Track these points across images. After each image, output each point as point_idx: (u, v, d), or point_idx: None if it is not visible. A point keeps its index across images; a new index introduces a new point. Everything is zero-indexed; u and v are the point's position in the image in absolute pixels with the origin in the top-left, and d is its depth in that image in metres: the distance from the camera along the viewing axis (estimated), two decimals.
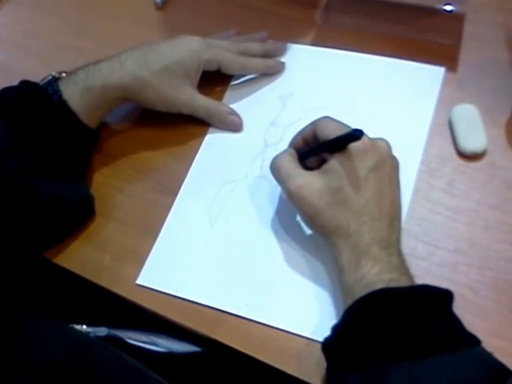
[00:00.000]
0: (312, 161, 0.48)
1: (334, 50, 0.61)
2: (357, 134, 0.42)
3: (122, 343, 0.51)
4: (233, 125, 0.57)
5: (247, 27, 0.65)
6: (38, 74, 0.55)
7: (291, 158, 0.47)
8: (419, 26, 0.61)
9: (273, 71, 0.60)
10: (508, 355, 0.38)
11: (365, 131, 0.44)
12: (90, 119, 0.54)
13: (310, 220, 0.46)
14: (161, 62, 0.54)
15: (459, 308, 0.40)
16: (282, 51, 0.61)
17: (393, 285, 0.40)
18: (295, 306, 0.47)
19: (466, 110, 0.53)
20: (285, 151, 0.49)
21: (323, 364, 0.42)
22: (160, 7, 0.69)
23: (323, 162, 0.47)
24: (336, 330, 0.41)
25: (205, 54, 0.56)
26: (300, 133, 0.50)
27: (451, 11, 0.61)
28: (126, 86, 0.53)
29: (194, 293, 0.49)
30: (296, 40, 0.63)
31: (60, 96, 0.52)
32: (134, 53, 0.54)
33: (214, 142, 0.57)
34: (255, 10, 0.66)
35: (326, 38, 0.62)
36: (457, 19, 0.61)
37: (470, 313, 0.42)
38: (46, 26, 0.72)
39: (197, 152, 0.57)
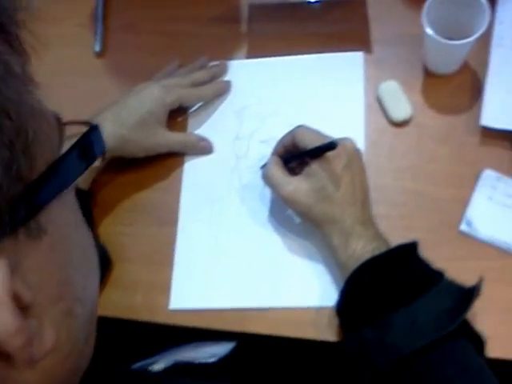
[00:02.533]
0: (294, 164, 0.62)
1: (267, 58, 0.73)
2: (333, 145, 0.56)
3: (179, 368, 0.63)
4: (204, 149, 0.69)
5: (185, 54, 0.75)
6: None
7: (278, 166, 0.60)
8: (330, 19, 0.74)
9: (223, 92, 0.71)
10: None
11: (311, 124, 0.60)
12: (84, 183, 0.64)
13: (303, 215, 0.60)
14: (134, 116, 0.65)
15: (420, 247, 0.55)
16: (224, 71, 0.73)
17: (376, 252, 0.54)
18: (299, 286, 0.62)
19: (389, 86, 0.68)
20: (271, 161, 0.61)
21: (333, 323, 0.58)
22: (99, 54, 0.78)
23: (303, 163, 0.60)
24: (342, 296, 0.56)
25: (167, 98, 0.67)
26: (280, 141, 0.63)
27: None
28: (110, 147, 0.64)
29: (219, 301, 0.62)
30: (232, 56, 0.74)
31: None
32: (108, 115, 0.65)
33: (192, 168, 0.69)
34: (187, 36, 0.77)
35: (257, 49, 0.74)
36: (359, 5, 0.73)
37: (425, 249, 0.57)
38: None
39: (181, 180, 0.69)
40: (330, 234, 0.58)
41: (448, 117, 0.66)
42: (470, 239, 0.61)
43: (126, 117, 0.65)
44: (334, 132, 0.63)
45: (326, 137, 0.60)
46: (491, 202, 0.61)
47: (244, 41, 0.75)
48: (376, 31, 0.72)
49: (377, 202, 0.62)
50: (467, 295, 0.52)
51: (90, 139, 0.35)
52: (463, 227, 0.61)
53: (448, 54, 0.64)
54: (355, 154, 0.60)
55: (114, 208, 0.69)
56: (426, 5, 0.61)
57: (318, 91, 0.70)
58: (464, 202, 0.62)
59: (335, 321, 0.58)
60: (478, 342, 0.53)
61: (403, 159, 0.66)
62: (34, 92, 0.31)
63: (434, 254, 0.56)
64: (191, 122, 0.71)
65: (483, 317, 0.54)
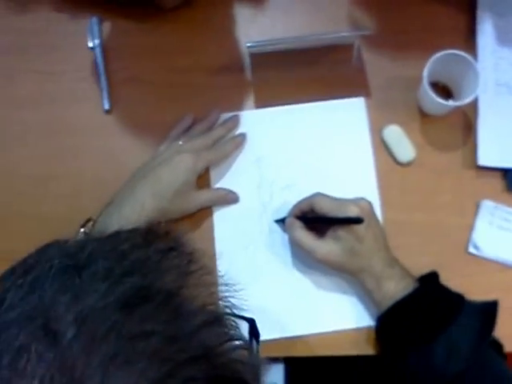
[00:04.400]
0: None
1: (275, 108, 0.80)
2: (360, 220, 0.66)
3: None
4: (232, 201, 0.76)
5: (192, 106, 0.81)
6: None
7: (303, 230, 0.69)
8: (327, 64, 0.82)
9: (241, 145, 0.78)
10: None
11: (325, 170, 0.75)
12: None
13: (338, 270, 0.70)
14: (171, 189, 0.70)
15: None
16: (238, 123, 0.79)
17: (407, 290, 0.65)
18: (333, 313, 0.72)
19: (392, 131, 0.78)
20: (294, 225, 0.70)
21: (367, 341, 0.70)
22: (109, 111, 0.81)
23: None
24: (381, 329, 0.66)
25: (198, 165, 0.73)
26: (297, 206, 0.72)
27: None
28: (152, 219, 0.69)
29: (265, 333, 0.69)
30: (241, 106, 0.81)
31: None
32: (146, 190, 0.70)
33: (221, 218, 0.76)
34: (193, 87, 0.82)
35: (263, 97, 0.81)
36: (351, 48, 0.82)
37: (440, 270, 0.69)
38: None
39: (212, 230, 0.75)
40: (363, 280, 0.68)
41: (446, 154, 0.78)
42: (478, 259, 0.73)
43: (164, 191, 0.70)
44: (346, 175, 0.77)
45: (341, 202, 0.69)
46: (491, 227, 0.74)
47: (250, 90, 0.82)
48: (370, 74, 0.82)
49: (395, 235, 0.73)
50: (489, 312, 0.64)
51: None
52: (471, 250, 0.73)
53: (440, 105, 0.75)
54: (371, 211, 0.70)
55: None
56: (430, 62, 0.72)
57: (326, 138, 0.79)
58: (468, 228, 0.74)
59: (371, 338, 0.70)
60: (497, 346, 0.65)
61: (412, 195, 0.76)
62: None
63: (449, 274, 0.69)
64: (213, 175, 0.78)
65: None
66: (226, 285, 0.39)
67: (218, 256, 0.74)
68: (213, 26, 0.85)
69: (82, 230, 0.69)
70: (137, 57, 0.84)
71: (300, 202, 0.72)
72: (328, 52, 0.82)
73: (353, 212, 0.67)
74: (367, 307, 0.72)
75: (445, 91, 0.78)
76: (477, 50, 0.78)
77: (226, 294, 0.38)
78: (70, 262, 0.35)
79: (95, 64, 0.83)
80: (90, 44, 0.83)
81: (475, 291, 0.68)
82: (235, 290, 0.39)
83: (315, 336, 0.72)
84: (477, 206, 0.75)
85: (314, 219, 0.71)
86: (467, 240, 0.74)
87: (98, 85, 0.82)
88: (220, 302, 0.38)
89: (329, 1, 0.84)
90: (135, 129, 0.81)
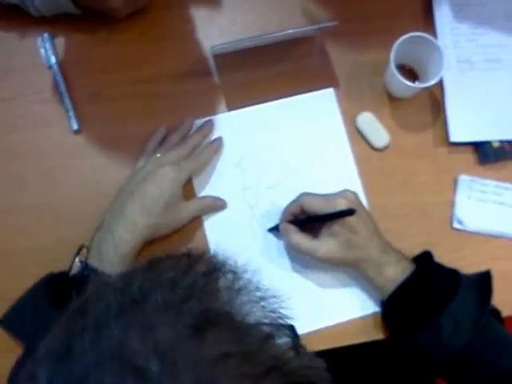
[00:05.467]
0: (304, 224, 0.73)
1: (247, 108, 0.81)
2: (352, 211, 0.68)
3: None
4: (220, 207, 0.77)
5: (163, 116, 0.80)
6: None
7: (298, 234, 0.71)
8: (292, 57, 0.83)
9: (219, 149, 0.78)
10: None
11: (305, 164, 0.77)
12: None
13: (339, 264, 0.73)
14: (160, 203, 0.71)
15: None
16: (212, 128, 0.80)
17: (405, 273, 0.69)
18: (337, 306, 0.75)
19: (365, 118, 0.80)
20: (288, 230, 0.72)
21: (374, 327, 0.73)
22: (78, 131, 0.79)
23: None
24: (387, 310, 0.69)
25: (181, 176, 0.73)
26: (287, 209, 0.74)
27: None
28: (146, 236, 0.70)
29: None
30: (213, 110, 0.81)
31: (102, 274, 0.66)
32: (135, 207, 0.70)
33: (212, 225, 0.77)
34: (161, 96, 0.81)
35: (233, 98, 0.81)
36: (313, 41, 0.84)
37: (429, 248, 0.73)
38: None
39: (206, 238, 0.76)
40: (364, 269, 0.71)
41: (419, 134, 0.81)
42: (463, 233, 0.78)
43: (153, 206, 0.70)
44: (326, 167, 0.79)
45: (329, 198, 0.71)
46: (471, 200, 0.78)
47: (219, 92, 0.82)
48: (336, 65, 0.83)
49: (381, 220, 0.76)
50: (484, 282, 0.68)
51: None
52: (455, 225, 0.77)
53: (408, 88, 0.78)
54: (357, 200, 0.72)
55: None
56: (395, 45, 0.74)
57: (302, 132, 0.80)
58: (450, 204, 0.78)
59: (378, 324, 0.74)
60: (495, 313, 0.70)
61: (392, 179, 0.80)
62: None
63: (438, 251, 0.73)
64: (196, 183, 0.78)
65: None
66: (274, 296, 0.41)
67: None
68: (170, 31, 0.84)
69: (77, 258, 0.68)
70: (97, 71, 0.82)
71: (289, 206, 0.73)
72: (291, 47, 0.83)
73: (342, 205, 0.69)
74: (369, 295, 0.75)
75: (411, 74, 0.80)
76: (435, 30, 0.81)
77: (275, 306, 0.40)
78: (126, 298, 0.36)
79: (55, 83, 0.81)
80: (46, 62, 0.81)
81: (465, 265, 0.73)
82: (282, 301, 0.41)
83: (322, 330, 0.74)
84: (454, 182, 0.79)
85: (307, 220, 0.72)
86: (450, 216, 0.78)
87: (62, 105, 0.80)
88: (271, 314, 0.40)
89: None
90: (108, 146, 0.80)
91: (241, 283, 0.40)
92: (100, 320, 0.35)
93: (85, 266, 0.67)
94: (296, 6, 0.85)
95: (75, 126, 0.79)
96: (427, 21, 0.83)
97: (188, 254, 0.41)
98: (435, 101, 0.81)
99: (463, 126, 0.78)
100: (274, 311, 0.40)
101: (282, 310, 0.41)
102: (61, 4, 0.77)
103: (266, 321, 0.39)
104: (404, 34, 0.76)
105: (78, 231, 0.73)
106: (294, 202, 0.73)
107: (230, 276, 0.40)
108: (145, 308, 0.35)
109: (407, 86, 0.76)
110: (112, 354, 0.33)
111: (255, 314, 0.39)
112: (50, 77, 0.81)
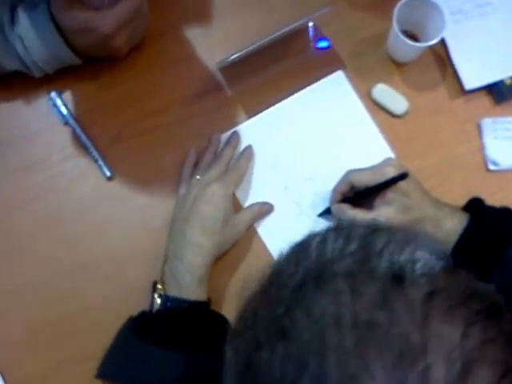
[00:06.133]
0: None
1: (266, 110, 0.83)
2: (405, 175, 0.71)
3: None
4: (268, 211, 0.80)
5: (188, 140, 0.82)
6: None
7: (352, 209, 0.73)
8: (293, 51, 0.85)
9: (252, 157, 0.81)
10: None
11: (335, 147, 0.80)
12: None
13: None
14: (218, 221, 0.73)
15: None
16: (239, 138, 0.82)
17: (463, 222, 0.71)
18: None
19: (380, 89, 0.83)
20: (342, 209, 0.74)
21: None
22: (111, 177, 0.81)
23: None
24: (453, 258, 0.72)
25: (229, 190, 0.76)
26: (335, 190, 0.76)
27: None
28: (214, 255, 0.73)
29: None
30: (234, 121, 0.83)
31: (185, 301, 0.68)
32: (195, 231, 0.72)
33: (266, 230, 0.79)
34: (183, 122, 0.83)
35: (251, 105, 0.84)
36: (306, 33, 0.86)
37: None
38: None
39: (265, 245, 0.79)
40: (423, 228, 0.73)
41: (434, 92, 0.84)
42: (500, 174, 0.81)
43: (212, 225, 0.73)
44: (356, 146, 0.82)
45: (376, 169, 0.73)
46: (498, 140, 0.81)
47: (235, 103, 0.84)
48: (338, 47, 0.86)
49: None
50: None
51: None
52: (491, 167, 0.81)
53: (414, 49, 0.81)
54: (401, 165, 0.74)
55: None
56: (396, 10, 0.77)
57: (324, 119, 0.83)
58: (480, 150, 0.82)
59: None
60: None
61: (418, 141, 0.83)
62: None
63: (481, 196, 0.75)
64: (239, 195, 0.80)
65: None
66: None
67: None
68: (171, 57, 0.86)
69: (156, 295, 0.70)
70: (111, 115, 0.84)
71: (337, 186, 0.75)
72: (291, 42, 0.86)
73: (391, 172, 0.72)
74: None
75: (412, 39, 0.83)
76: None
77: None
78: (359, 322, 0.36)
79: (76, 137, 0.82)
80: (61, 120, 0.82)
81: (509, 202, 0.75)
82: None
83: None
84: (478, 128, 0.82)
85: (358, 195, 0.74)
86: (484, 160, 0.81)
87: (89, 156, 0.81)
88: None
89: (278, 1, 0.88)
90: (144, 183, 0.82)
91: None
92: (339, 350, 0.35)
93: (166, 298, 0.70)
94: (286, 2, 0.87)
95: (108, 173, 0.81)
96: None
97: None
98: (440, 57, 0.85)
99: (473, 72, 0.81)
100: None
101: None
102: (63, 57, 0.79)
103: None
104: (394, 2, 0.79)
105: (140, 269, 0.77)
106: (341, 181, 0.75)
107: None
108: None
109: (413, 46, 0.78)
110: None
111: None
112: (69, 132, 0.83)
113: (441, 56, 0.85)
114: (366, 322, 0.35)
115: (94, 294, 0.78)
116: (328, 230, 0.43)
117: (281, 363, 0.35)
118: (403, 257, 0.39)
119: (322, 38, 0.86)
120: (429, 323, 0.34)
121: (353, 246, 0.39)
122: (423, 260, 0.39)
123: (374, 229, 0.40)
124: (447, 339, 0.34)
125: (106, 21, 0.73)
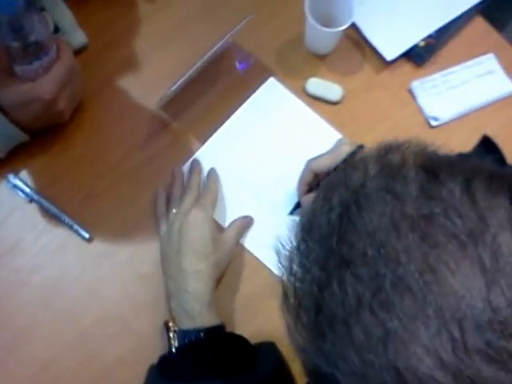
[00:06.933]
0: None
1: (217, 132, 0.88)
2: (361, 147, 0.75)
3: None
4: (250, 223, 0.83)
5: (154, 180, 0.85)
6: None
7: None
8: (223, 70, 0.90)
9: (218, 177, 0.85)
10: None
11: (293, 144, 0.83)
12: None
13: None
14: (207, 242, 0.76)
15: None
16: (200, 164, 0.86)
17: None
18: None
19: (312, 83, 0.89)
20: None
21: None
22: (91, 239, 0.83)
23: None
24: None
25: (208, 212, 0.79)
26: (300, 183, 0.79)
27: None
28: (214, 277, 0.76)
29: None
30: (191, 151, 0.87)
31: (200, 329, 0.71)
32: (189, 258, 0.74)
33: (253, 244, 0.83)
34: (143, 167, 0.86)
35: (200, 131, 0.88)
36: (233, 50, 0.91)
37: None
38: None
39: (256, 258, 0.82)
40: None
41: (361, 72, 0.92)
42: (444, 127, 0.88)
43: (203, 249, 0.75)
44: (309, 140, 0.87)
45: (333, 152, 0.78)
46: (430, 97, 0.89)
47: (185, 134, 0.88)
48: (261, 56, 0.92)
49: None
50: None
51: None
52: (433, 123, 0.88)
53: (331, 36, 0.87)
54: (354, 142, 0.78)
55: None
56: (306, 4, 0.83)
57: (271, 123, 0.89)
58: (418, 111, 0.89)
59: None
60: None
61: (362, 118, 0.89)
62: None
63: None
64: (217, 216, 0.83)
65: None
66: None
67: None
68: (112, 110, 0.90)
69: (171, 333, 0.72)
70: (73, 179, 0.86)
71: (300, 179, 0.79)
72: (219, 63, 0.91)
73: (346, 150, 0.75)
74: None
75: None
76: None
77: None
78: None
79: (45, 211, 0.83)
80: (26, 198, 0.84)
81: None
82: None
83: None
84: (410, 92, 0.90)
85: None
86: (425, 119, 0.88)
87: (63, 224, 0.83)
88: None
89: (195, 30, 0.93)
90: (125, 234, 0.83)
91: None
92: None
93: (181, 333, 0.71)
94: (204, 29, 0.93)
95: (86, 235, 0.82)
96: None
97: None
98: (356, 40, 0.92)
99: (389, 44, 0.89)
100: None
101: None
102: (12, 136, 0.81)
103: None
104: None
105: (145, 317, 0.79)
106: (303, 172, 0.78)
107: None
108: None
109: (330, 33, 0.85)
110: None
111: None
112: (36, 208, 0.84)
113: (356, 39, 0.92)
114: (422, 216, 0.35)
115: (106, 356, 0.78)
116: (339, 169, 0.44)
117: (353, 289, 0.35)
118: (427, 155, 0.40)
119: (243, 56, 0.91)
120: (477, 202, 0.35)
121: (375, 169, 0.39)
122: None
123: (386, 150, 0.41)
124: (500, 210, 0.35)
125: (45, 87, 0.75)
